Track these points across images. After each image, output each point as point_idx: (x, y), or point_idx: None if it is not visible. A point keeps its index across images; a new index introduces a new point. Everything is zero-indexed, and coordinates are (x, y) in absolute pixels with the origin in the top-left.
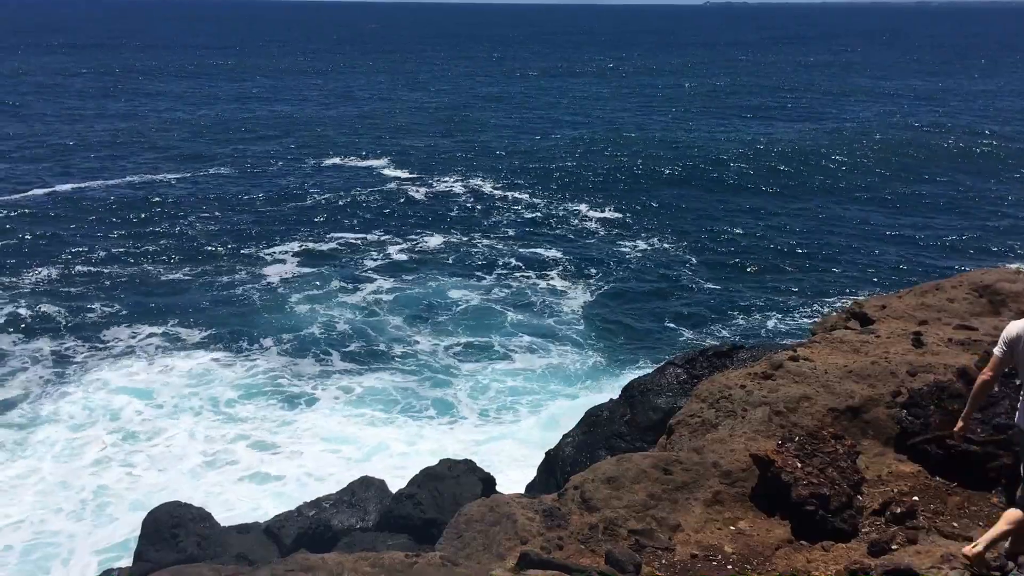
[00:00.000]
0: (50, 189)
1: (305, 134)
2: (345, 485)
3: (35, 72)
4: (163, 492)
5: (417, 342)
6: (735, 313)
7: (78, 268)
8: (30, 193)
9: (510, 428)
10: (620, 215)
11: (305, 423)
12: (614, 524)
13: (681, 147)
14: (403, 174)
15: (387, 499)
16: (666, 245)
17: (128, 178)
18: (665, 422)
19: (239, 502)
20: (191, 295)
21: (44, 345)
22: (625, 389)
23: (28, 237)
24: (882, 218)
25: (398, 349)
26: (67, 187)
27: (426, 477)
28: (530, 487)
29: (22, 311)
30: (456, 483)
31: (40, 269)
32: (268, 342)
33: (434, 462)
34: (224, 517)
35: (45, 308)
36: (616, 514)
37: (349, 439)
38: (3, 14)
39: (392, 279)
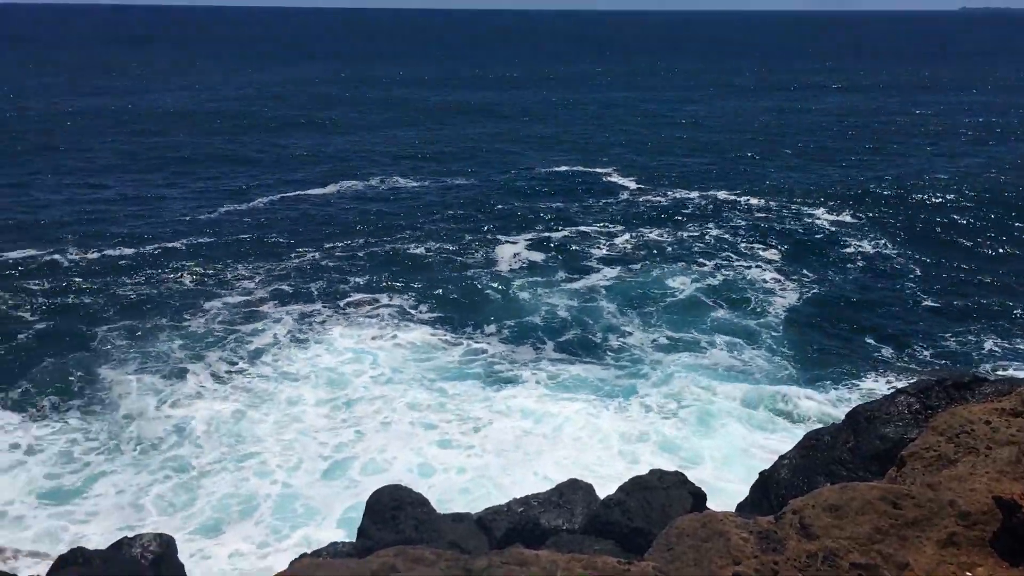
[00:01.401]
0: (314, 189)
1: (533, 143)
2: (553, 485)
3: (299, 82)
4: (383, 455)
5: (628, 332)
6: (952, 337)
7: (335, 251)
8: (301, 191)
9: (691, 430)
10: (852, 219)
11: (507, 403)
12: (835, 555)
13: (940, 161)
14: (630, 182)
15: (594, 503)
16: (893, 252)
17: (370, 181)
18: (892, 452)
19: (442, 470)
20: (427, 277)
21: (296, 309)
22: (850, 415)
23: (297, 226)
24: None
25: (610, 338)
26: (328, 188)
27: (635, 485)
28: (741, 507)
29: (283, 282)
30: (666, 494)
31: (304, 250)
32: (490, 325)
33: (614, 456)
34: (425, 484)
35: (301, 280)
36: (838, 545)
37: (544, 421)
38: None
39: (614, 268)
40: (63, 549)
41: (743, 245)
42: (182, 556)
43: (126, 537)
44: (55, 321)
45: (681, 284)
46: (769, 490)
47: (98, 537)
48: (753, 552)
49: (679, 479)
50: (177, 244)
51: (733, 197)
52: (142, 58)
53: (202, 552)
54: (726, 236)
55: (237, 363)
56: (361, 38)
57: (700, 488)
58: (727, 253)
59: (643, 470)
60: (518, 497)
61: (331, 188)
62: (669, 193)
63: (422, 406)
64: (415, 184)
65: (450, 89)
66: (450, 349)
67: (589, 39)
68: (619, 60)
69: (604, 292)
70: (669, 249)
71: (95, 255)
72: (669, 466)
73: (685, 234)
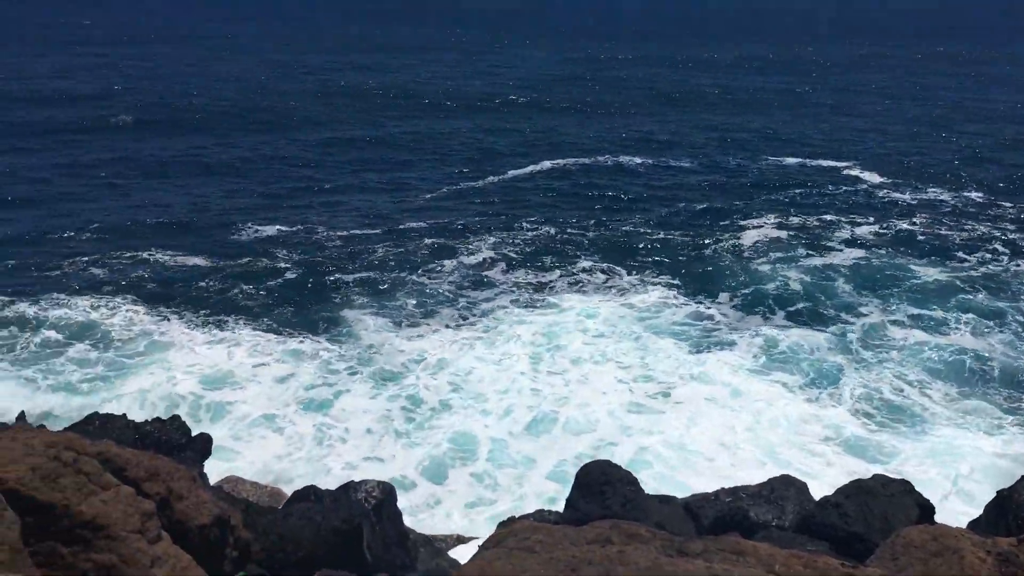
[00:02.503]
0: (544, 164)
1: (765, 131)
2: (764, 480)
3: (532, 62)
4: (586, 410)
5: (861, 311)
6: None
7: (569, 225)
8: (534, 167)
9: (898, 432)
10: None
11: (710, 370)
12: None
13: None
14: (873, 176)
15: (807, 503)
16: None
17: (598, 159)
18: None
19: (636, 432)
20: (661, 250)
21: (528, 275)
22: None
23: (529, 199)
24: None
25: (841, 315)
26: (557, 164)
27: (856, 489)
28: (974, 524)
29: (517, 251)
30: (889, 502)
31: (537, 223)
32: (723, 292)
33: (801, 444)
34: (622, 445)
35: (534, 250)
36: None
37: (741, 396)
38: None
39: (857, 250)
40: (313, 462)
41: (1015, 236)
42: (409, 497)
43: (352, 481)
44: (306, 278)
45: (930, 271)
46: (1007, 511)
47: (341, 458)
48: (990, 573)
49: (905, 488)
50: (416, 220)
51: (1000, 198)
52: (407, 34)
53: (432, 496)
54: (994, 232)
55: (468, 317)
56: (597, 19)
57: (928, 500)
58: (993, 247)
59: (824, 463)
60: (726, 487)
61: (560, 165)
62: (919, 190)
63: (632, 365)
64: (641, 163)
65: (681, 70)
66: (675, 311)
67: (844, 22)
68: (861, 44)
69: (844, 271)
70: (920, 239)
71: (342, 232)
72: (856, 465)
73: (940, 228)
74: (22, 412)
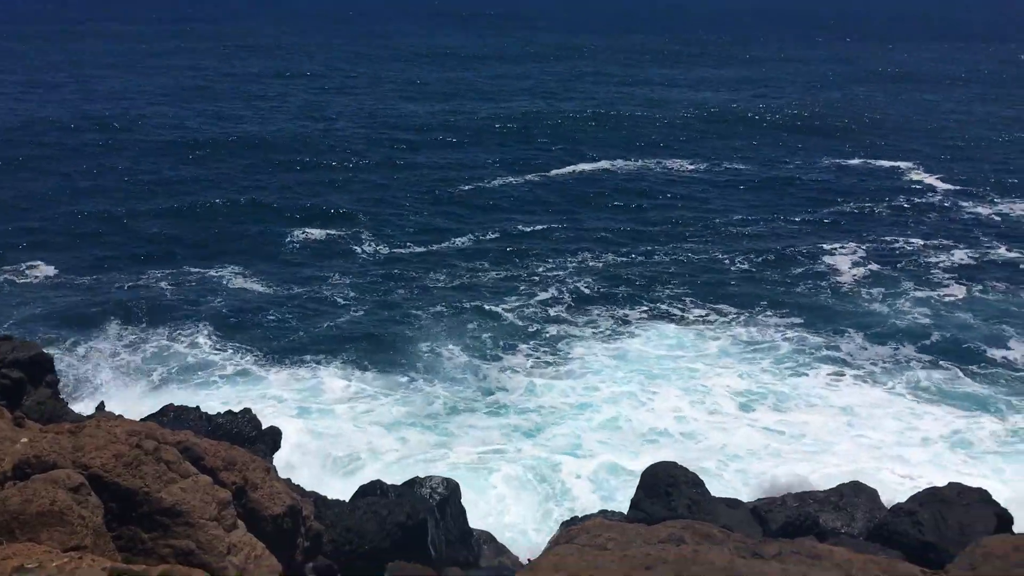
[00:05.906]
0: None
1: (818, 130)
2: (834, 485)
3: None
4: (724, 433)
5: (1008, 346)
6: None
7: (641, 253)
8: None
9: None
10: None
11: (834, 398)
12: None
13: None
14: (936, 180)
15: (878, 510)
16: None
17: (644, 161)
18: None
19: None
20: (758, 284)
21: (604, 309)
22: None
23: (592, 221)
24: None
25: (986, 351)
26: (598, 165)
27: (930, 497)
28: None
29: (595, 283)
30: (965, 511)
31: (601, 252)
32: (850, 329)
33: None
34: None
35: (609, 281)
36: None
37: (864, 422)
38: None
39: (967, 284)
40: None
41: None
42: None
43: (417, 477)
44: (374, 307)
45: None
46: None
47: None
48: None
49: (983, 497)
50: (471, 234)
51: None
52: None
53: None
54: None
55: (548, 345)
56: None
57: (1007, 510)
58: None
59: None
60: (795, 492)
61: (591, 170)
62: (996, 201)
63: (726, 384)
64: (692, 168)
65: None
66: (776, 343)
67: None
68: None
69: (963, 306)
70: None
71: (391, 247)
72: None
73: None
74: (102, 402)
